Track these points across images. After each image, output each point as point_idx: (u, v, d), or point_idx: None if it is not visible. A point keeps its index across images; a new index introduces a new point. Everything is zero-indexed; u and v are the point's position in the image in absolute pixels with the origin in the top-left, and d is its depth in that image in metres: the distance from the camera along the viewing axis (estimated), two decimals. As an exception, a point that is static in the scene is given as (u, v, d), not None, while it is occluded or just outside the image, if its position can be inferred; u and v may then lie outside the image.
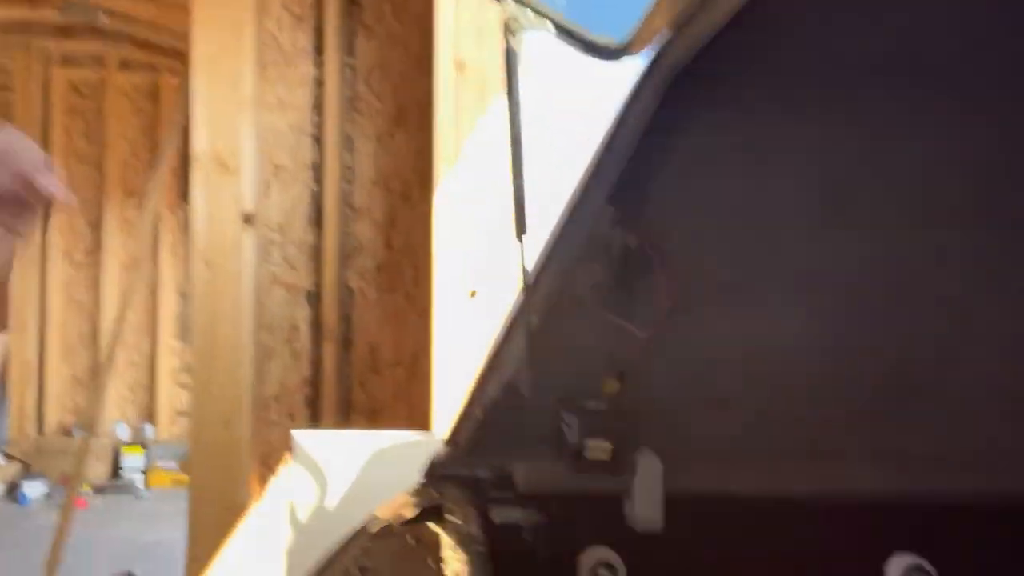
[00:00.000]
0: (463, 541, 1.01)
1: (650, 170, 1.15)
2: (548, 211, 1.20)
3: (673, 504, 1.14)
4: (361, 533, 1.05)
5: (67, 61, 6.23)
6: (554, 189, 1.17)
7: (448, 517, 1.06)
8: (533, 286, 1.16)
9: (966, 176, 1.15)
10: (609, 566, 1.04)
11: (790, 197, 1.17)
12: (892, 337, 1.22)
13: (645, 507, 1.15)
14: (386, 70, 2.57)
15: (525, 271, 1.13)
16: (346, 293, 2.57)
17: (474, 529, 1.06)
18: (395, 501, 1.10)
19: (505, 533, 1.16)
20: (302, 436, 1.72)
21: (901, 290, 1.21)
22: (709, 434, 1.26)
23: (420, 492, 1.13)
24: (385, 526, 1.04)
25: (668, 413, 1.25)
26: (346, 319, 2.57)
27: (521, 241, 1.12)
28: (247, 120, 2.43)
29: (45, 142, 5.97)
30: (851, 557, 1.23)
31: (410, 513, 1.06)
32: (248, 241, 2.41)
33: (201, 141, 2.40)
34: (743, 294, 1.24)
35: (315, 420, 2.49)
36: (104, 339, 5.75)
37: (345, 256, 2.55)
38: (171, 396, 6.26)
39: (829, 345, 1.24)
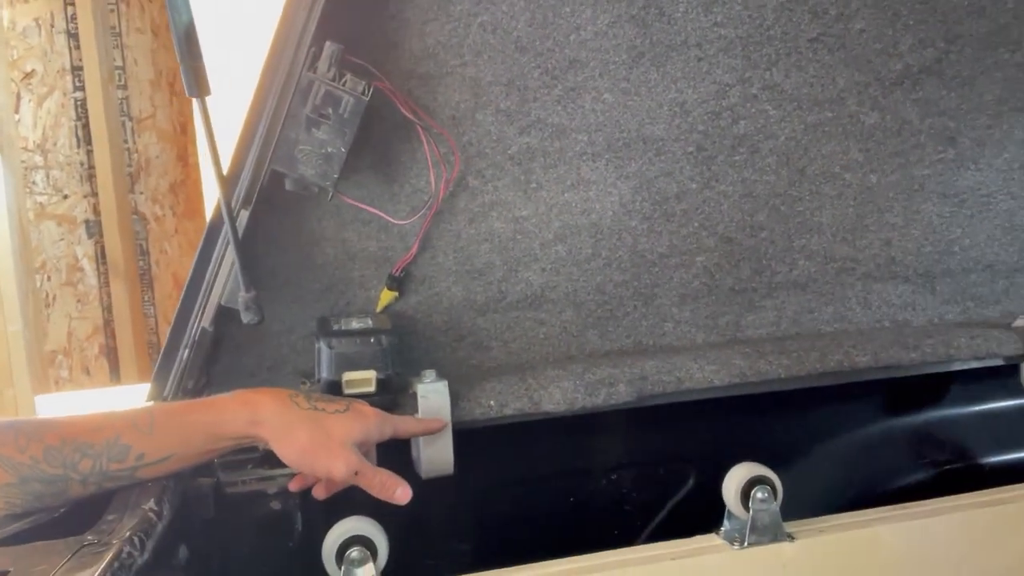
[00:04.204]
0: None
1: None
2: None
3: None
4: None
5: None
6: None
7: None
8: (236, 172, 0.83)
9: None
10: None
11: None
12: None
13: (432, 447, 0.87)
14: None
15: (215, 152, 0.79)
16: (137, 221, 2.16)
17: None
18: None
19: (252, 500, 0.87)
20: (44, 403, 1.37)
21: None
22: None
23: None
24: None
25: (453, 322, 0.96)
26: (142, 251, 2.17)
27: (203, 103, 0.78)
28: (-26, 16, 1.95)
29: None
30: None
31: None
32: (-4, 167, 1.96)
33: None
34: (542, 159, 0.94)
35: (116, 372, 2.12)
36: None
37: (129, 177, 2.13)
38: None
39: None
